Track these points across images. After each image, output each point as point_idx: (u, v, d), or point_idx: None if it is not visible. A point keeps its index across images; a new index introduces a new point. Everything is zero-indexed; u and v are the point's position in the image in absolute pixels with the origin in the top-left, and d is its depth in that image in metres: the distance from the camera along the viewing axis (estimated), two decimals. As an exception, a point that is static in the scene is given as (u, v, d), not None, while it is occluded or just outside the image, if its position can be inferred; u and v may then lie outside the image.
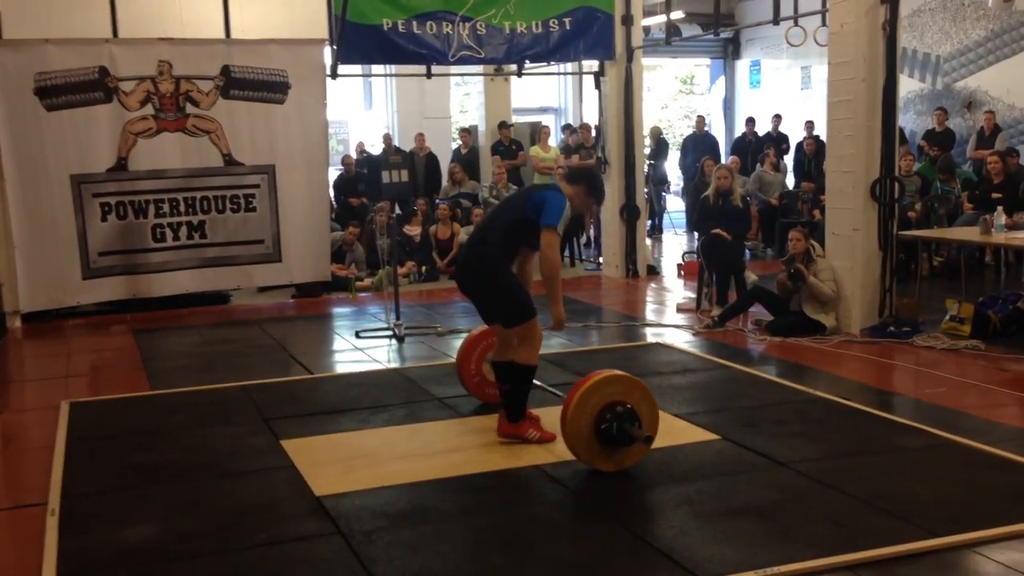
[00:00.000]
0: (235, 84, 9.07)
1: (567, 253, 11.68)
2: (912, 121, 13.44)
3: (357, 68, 12.59)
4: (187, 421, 5.36)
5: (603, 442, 4.23)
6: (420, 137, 13.13)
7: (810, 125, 13.28)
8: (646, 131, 12.46)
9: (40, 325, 8.56)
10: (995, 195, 9.17)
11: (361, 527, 3.76)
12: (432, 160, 13.13)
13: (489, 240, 4.73)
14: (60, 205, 8.61)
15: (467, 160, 13.28)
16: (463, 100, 18.62)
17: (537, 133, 13.44)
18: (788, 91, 16.20)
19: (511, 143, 13.07)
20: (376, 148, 13.89)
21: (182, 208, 9.06)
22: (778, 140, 13.93)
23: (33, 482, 4.47)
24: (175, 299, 9.16)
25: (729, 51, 17.68)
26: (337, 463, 4.54)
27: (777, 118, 14.35)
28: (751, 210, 10.04)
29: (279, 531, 3.77)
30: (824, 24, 8.69)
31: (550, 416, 4.75)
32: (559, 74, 15.08)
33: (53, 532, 3.78)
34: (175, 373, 6.63)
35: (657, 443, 4.54)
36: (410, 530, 3.73)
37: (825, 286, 7.14)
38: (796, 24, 9.82)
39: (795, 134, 13.99)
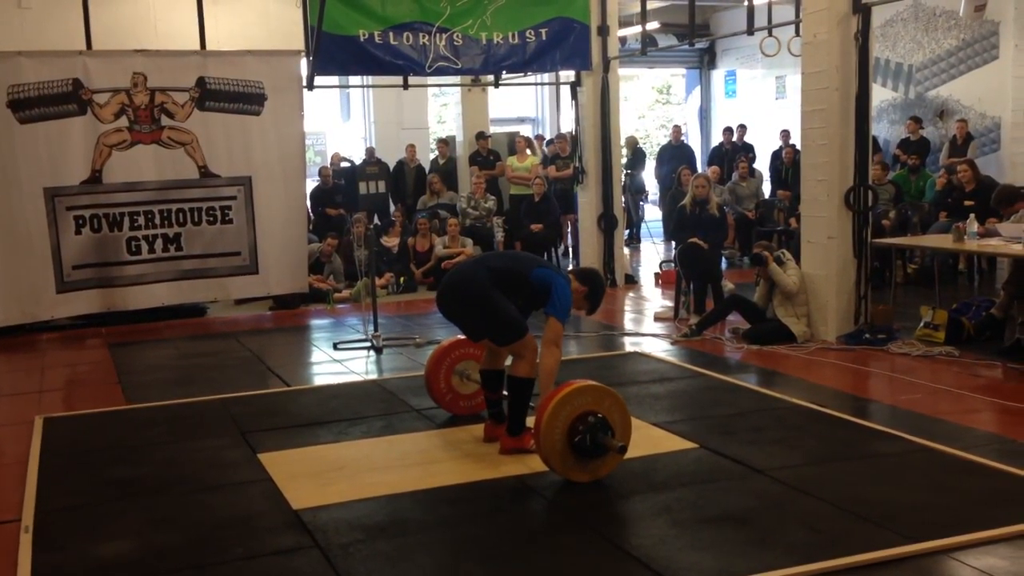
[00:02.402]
0: (210, 96, 9.02)
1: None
2: (886, 130, 13.56)
3: (334, 79, 12.57)
4: (163, 435, 5.32)
5: (577, 453, 4.22)
6: (411, 148, 13.38)
7: (785, 134, 13.37)
8: (623, 141, 12.53)
9: (13, 339, 8.45)
10: (967, 203, 9.25)
11: (339, 540, 3.74)
12: (421, 171, 13.27)
13: (479, 270, 4.75)
14: (33, 218, 8.50)
15: (445, 171, 13.30)
16: (440, 111, 18.64)
17: (513, 144, 13.48)
18: (763, 100, 16.33)
19: (489, 153, 13.10)
20: (356, 158, 13.90)
21: (157, 220, 8.98)
22: (744, 149, 14.00)
23: (6, 498, 4.42)
24: (151, 312, 9.08)
25: (705, 61, 17.80)
26: (315, 476, 4.52)
27: (742, 128, 14.44)
28: (727, 219, 10.10)
29: (256, 545, 3.74)
30: (798, 34, 8.75)
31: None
32: (536, 84, 15.12)
33: (27, 549, 3.74)
34: (151, 387, 6.57)
35: (635, 452, 4.55)
36: (388, 542, 3.71)
37: (787, 278, 7.21)
38: (770, 34, 9.92)
39: (770, 143, 14.09)
